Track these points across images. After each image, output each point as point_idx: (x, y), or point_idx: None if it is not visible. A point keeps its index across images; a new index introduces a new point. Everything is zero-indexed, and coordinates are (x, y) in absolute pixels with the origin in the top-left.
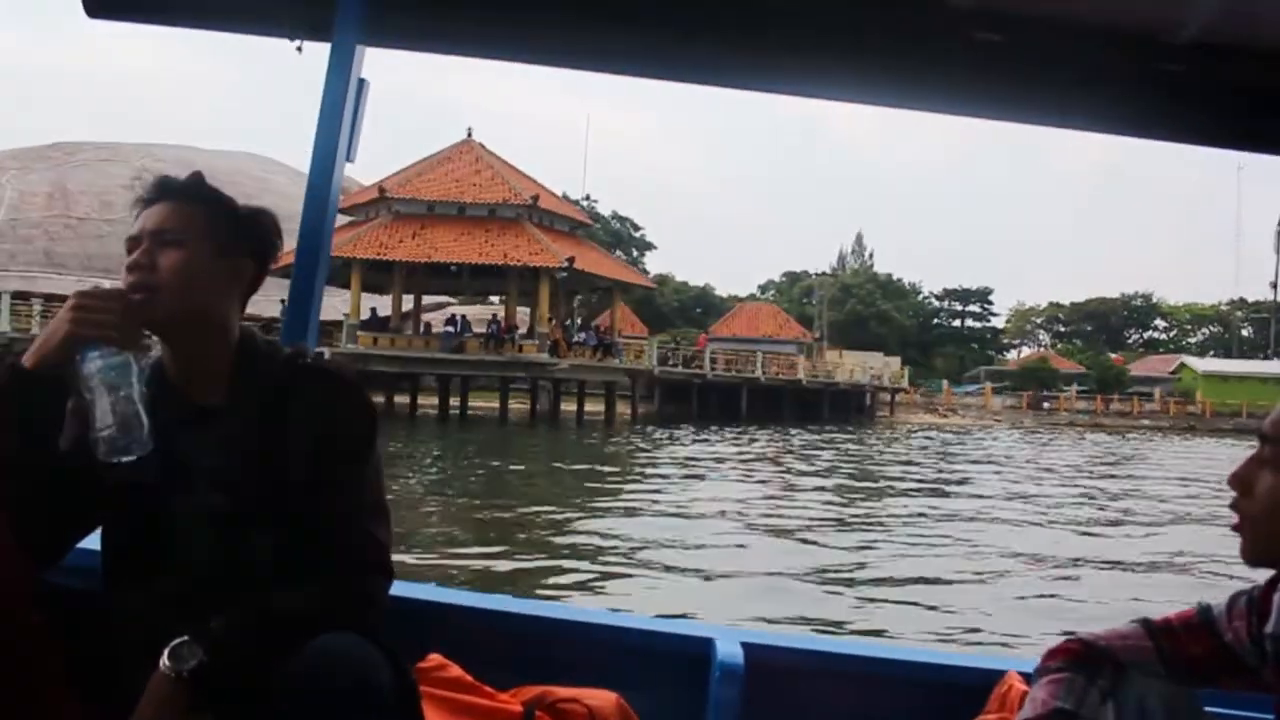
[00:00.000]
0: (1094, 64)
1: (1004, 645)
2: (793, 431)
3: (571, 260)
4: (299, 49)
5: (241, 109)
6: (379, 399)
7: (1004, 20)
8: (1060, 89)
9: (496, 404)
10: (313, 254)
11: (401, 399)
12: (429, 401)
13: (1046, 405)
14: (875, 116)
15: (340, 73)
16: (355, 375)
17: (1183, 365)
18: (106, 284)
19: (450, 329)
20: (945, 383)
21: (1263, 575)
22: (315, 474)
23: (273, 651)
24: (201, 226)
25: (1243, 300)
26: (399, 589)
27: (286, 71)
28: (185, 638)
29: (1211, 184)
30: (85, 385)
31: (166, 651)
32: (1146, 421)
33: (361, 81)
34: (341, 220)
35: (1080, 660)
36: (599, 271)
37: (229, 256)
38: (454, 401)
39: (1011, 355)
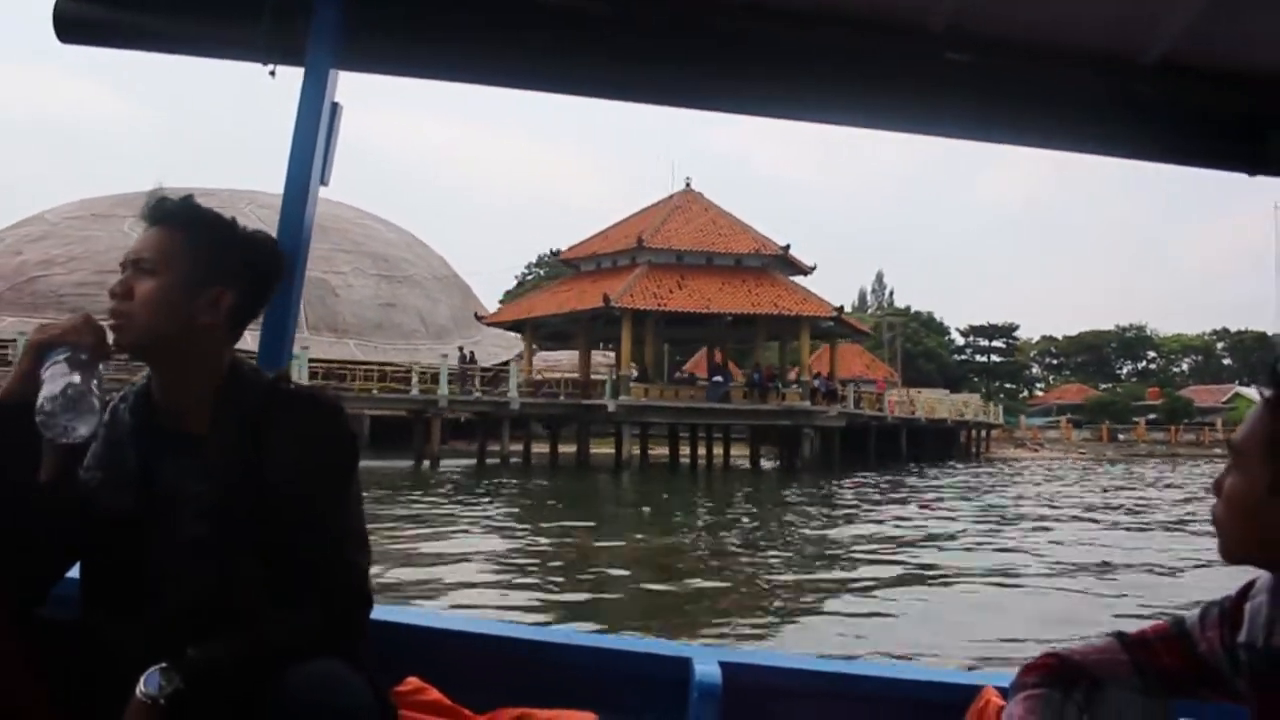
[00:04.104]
0: (1062, 84)
1: None
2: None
3: (840, 310)
4: (272, 73)
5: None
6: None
7: (974, 41)
8: (1029, 108)
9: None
10: (288, 278)
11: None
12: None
13: (1121, 437)
14: (805, 149)
15: (314, 97)
16: (337, 402)
17: (1237, 395)
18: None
19: (718, 379)
20: (1022, 417)
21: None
22: (296, 501)
23: (251, 678)
24: (179, 255)
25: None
26: (375, 612)
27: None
28: (163, 664)
29: (1131, 215)
30: (43, 373)
31: (144, 678)
32: (1219, 450)
33: (335, 105)
34: (563, 272)
35: (1056, 675)
36: (824, 315)
37: (205, 286)
38: (684, 450)
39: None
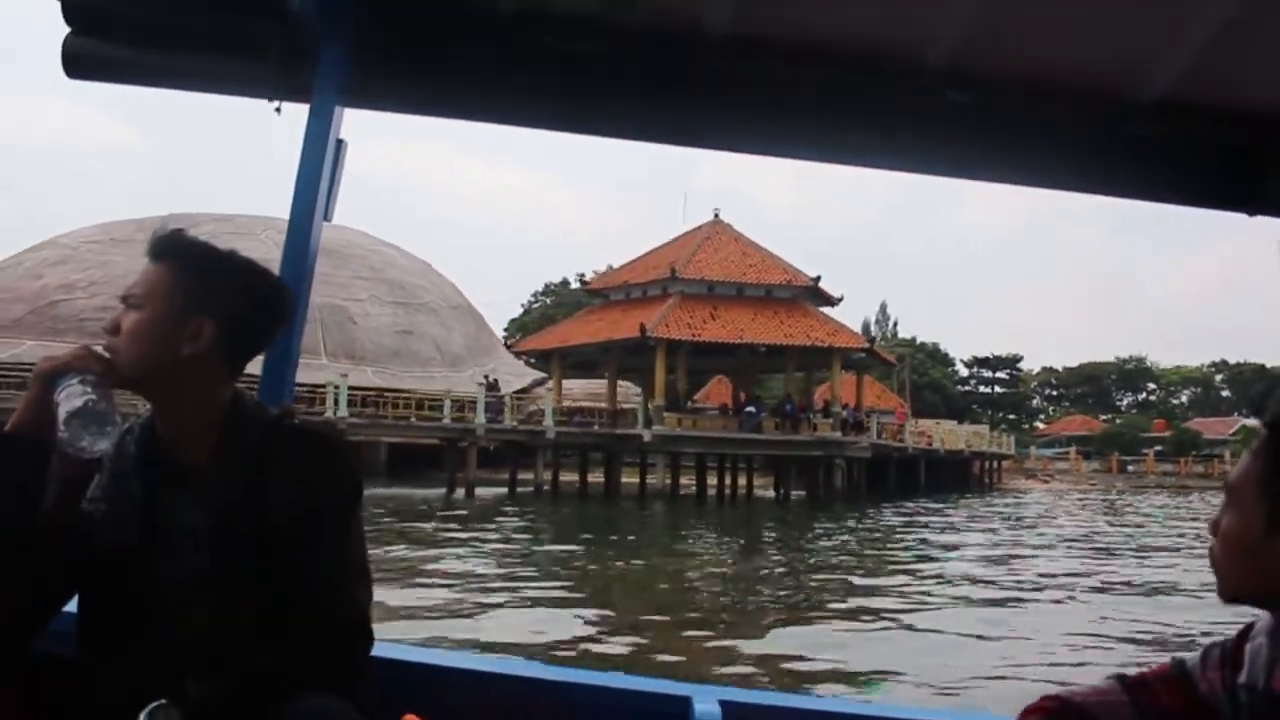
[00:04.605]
0: (1061, 124)
1: None
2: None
3: (873, 341)
4: (278, 110)
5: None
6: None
7: (974, 81)
8: (1027, 148)
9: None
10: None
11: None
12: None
13: (1131, 468)
14: (792, 180)
15: (319, 133)
16: (341, 438)
17: (1244, 428)
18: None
19: (750, 409)
20: (1032, 448)
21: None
22: (297, 535)
23: (251, 714)
24: (164, 288)
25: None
26: (374, 649)
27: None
28: (162, 701)
29: (1098, 249)
30: (56, 399)
31: (142, 716)
32: None
33: (339, 142)
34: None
35: (1057, 718)
36: (855, 346)
37: (188, 317)
38: (710, 481)
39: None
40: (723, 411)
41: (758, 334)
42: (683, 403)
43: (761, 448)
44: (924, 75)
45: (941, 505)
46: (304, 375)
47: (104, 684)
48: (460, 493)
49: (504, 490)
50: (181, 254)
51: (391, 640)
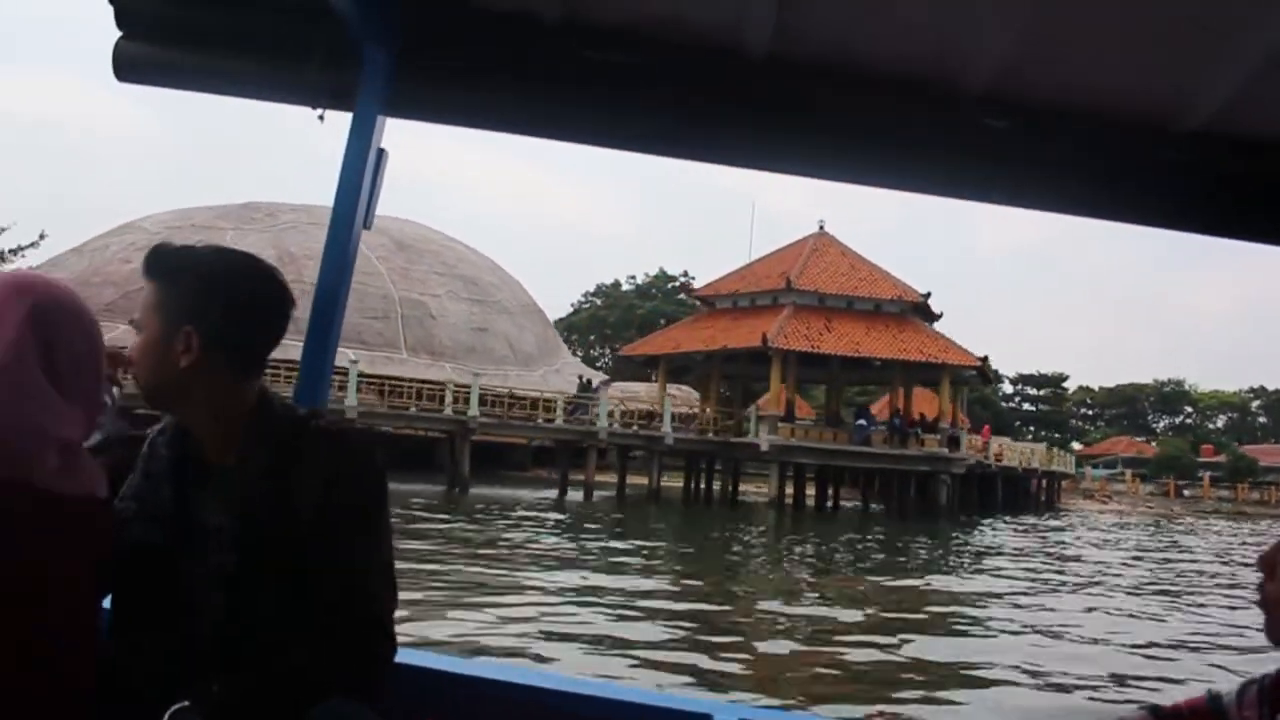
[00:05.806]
0: (1100, 151)
1: None
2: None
3: (985, 359)
4: (321, 118)
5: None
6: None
7: (1011, 107)
8: (1067, 176)
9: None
10: (328, 317)
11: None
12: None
13: (1188, 493)
14: (806, 190)
15: (361, 142)
16: (367, 438)
17: None
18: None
19: (862, 422)
20: (1088, 468)
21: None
22: (322, 536)
23: (273, 716)
24: (154, 305)
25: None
26: (399, 655)
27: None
28: (185, 704)
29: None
30: None
31: (167, 717)
32: None
33: (380, 151)
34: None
35: None
36: (968, 364)
37: (177, 328)
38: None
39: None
40: (828, 422)
41: (873, 347)
42: (792, 413)
43: (873, 461)
44: (963, 100)
45: (1046, 522)
46: (385, 369)
47: (133, 681)
48: (576, 495)
49: (610, 493)
50: (163, 268)
51: (417, 647)
